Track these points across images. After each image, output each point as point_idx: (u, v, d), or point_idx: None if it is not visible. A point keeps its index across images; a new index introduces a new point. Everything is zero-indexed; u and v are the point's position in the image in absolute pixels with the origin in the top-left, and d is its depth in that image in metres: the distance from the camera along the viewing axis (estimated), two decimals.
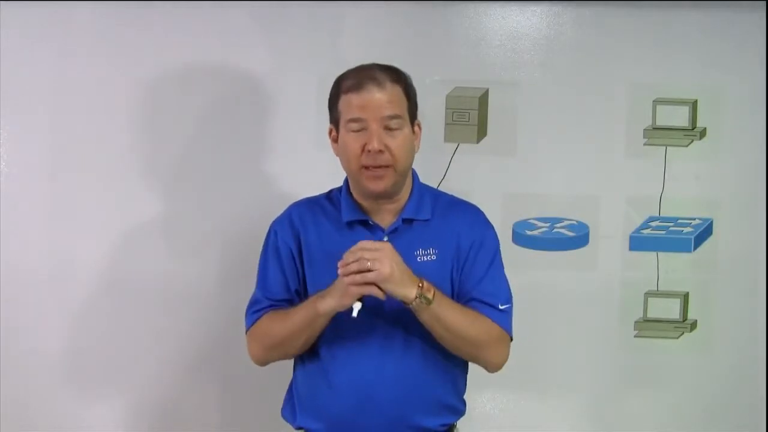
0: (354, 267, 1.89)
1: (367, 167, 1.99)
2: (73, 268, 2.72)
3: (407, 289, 1.92)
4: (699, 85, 2.76)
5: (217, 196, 2.73)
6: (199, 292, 2.73)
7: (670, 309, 2.80)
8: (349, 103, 1.99)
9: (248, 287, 2.17)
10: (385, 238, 2.02)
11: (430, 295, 1.93)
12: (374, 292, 1.90)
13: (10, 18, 2.66)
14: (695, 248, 2.79)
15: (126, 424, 2.77)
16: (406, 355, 2.03)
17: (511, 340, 2.10)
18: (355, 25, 2.73)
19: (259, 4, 2.70)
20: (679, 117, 2.77)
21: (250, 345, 2.14)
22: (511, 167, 2.76)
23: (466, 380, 2.17)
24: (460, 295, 2.06)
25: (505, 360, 2.09)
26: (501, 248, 2.13)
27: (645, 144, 2.77)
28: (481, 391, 2.65)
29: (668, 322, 2.81)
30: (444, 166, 2.75)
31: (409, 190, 2.09)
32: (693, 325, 2.81)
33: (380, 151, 1.96)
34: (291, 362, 2.17)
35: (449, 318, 1.97)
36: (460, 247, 2.07)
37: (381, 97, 1.97)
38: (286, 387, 2.19)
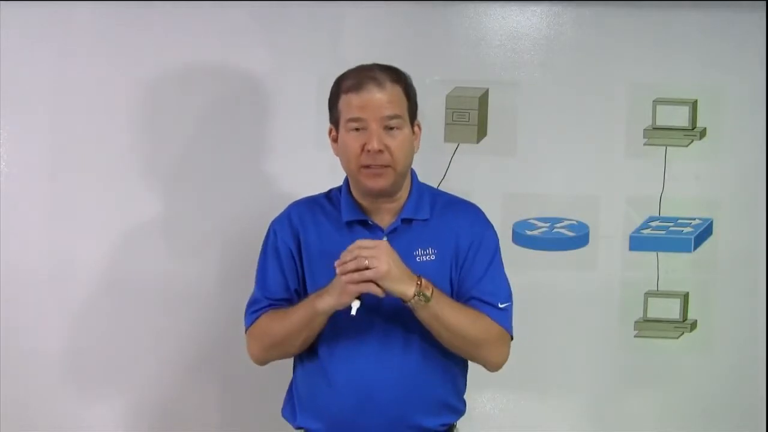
0: (351, 265, 1.90)
1: (366, 166, 1.99)
2: (73, 268, 2.72)
3: (405, 286, 1.92)
4: (699, 85, 2.76)
5: (217, 196, 2.73)
6: (199, 292, 2.73)
7: (670, 309, 2.80)
8: (349, 102, 1.99)
9: (248, 287, 2.17)
10: (385, 238, 2.02)
11: (428, 293, 1.93)
12: (372, 289, 1.90)
13: (10, 18, 2.66)
14: (695, 248, 2.79)
15: (126, 424, 2.77)
16: (406, 354, 2.03)
17: (512, 338, 2.10)
18: (355, 25, 2.73)
19: (259, 4, 2.70)
20: (679, 117, 2.77)
21: (249, 344, 2.14)
22: (511, 167, 2.76)
23: (466, 380, 2.17)
24: (459, 295, 2.06)
25: (505, 359, 2.09)
26: (501, 248, 2.13)
27: (645, 144, 2.77)
28: (481, 391, 2.65)
29: (668, 322, 2.81)
30: (444, 166, 2.75)
31: (408, 190, 2.09)
32: (693, 325, 2.81)
33: (380, 151, 1.97)
34: (291, 362, 2.17)
35: (448, 316, 1.97)
36: (460, 246, 2.07)
37: (381, 97, 1.97)
38: (286, 387, 2.19)
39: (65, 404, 2.74)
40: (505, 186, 2.77)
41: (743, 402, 2.80)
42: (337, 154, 2.07)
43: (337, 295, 1.94)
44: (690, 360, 2.80)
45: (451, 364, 2.08)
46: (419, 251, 2.05)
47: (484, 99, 2.76)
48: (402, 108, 2.01)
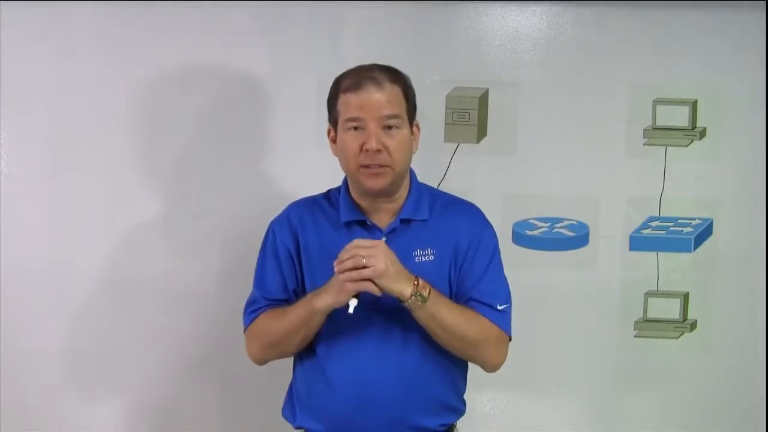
0: (349, 264, 1.90)
1: (365, 166, 1.99)
2: (73, 268, 2.72)
3: (402, 286, 1.92)
4: (699, 85, 2.76)
5: (217, 196, 2.73)
6: (199, 292, 2.73)
7: (670, 309, 2.80)
8: (348, 102, 1.99)
9: (248, 287, 2.17)
10: (383, 239, 2.02)
11: (425, 293, 1.94)
12: (370, 288, 1.91)
13: (10, 18, 2.67)
14: (695, 248, 2.79)
15: (126, 424, 2.77)
16: (404, 353, 2.03)
17: (510, 340, 2.10)
18: (355, 25, 2.73)
19: (259, 4, 2.70)
20: (679, 117, 2.77)
21: (248, 344, 2.15)
22: (511, 167, 2.76)
23: (465, 380, 2.17)
24: (458, 295, 2.06)
25: (503, 360, 2.09)
26: (501, 248, 2.13)
27: (645, 144, 2.77)
28: (481, 391, 2.65)
29: (668, 322, 2.81)
30: (444, 166, 2.75)
31: (407, 190, 2.09)
32: (693, 325, 2.81)
33: (378, 151, 1.97)
34: (291, 362, 2.17)
35: (445, 317, 1.97)
36: (459, 246, 2.07)
37: (379, 97, 1.98)
38: (286, 387, 2.19)
39: (65, 404, 2.74)
40: (505, 186, 2.77)
41: (743, 402, 2.80)
42: (335, 155, 2.07)
43: (335, 294, 1.94)
44: (690, 360, 2.80)
45: (450, 364, 2.08)
46: (418, 252, 2.05)
47: (484, 99, 2.76)
48: (401, 108, 2.01)
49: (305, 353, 2.09)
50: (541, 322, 2.74)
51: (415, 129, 2.08)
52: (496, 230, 2.15)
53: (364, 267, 1.89)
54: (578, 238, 2.79)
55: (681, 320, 2.81)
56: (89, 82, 2.69)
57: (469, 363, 2.14)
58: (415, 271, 1.97)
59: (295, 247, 2.10)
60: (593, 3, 2.72)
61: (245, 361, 2.18)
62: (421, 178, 2.15)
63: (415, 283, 1.94)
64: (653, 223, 2.79)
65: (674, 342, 2.81)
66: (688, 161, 2.77)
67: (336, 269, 1.92)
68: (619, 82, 2.76)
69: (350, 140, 2.00)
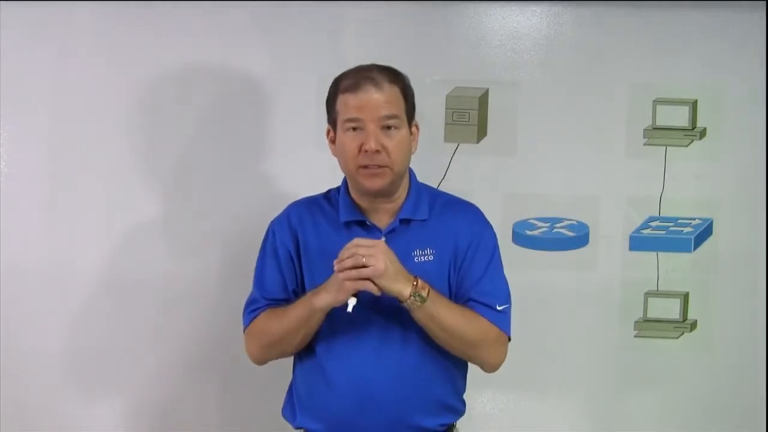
0: (349, 263, 1.90)
1: (364, 167, 1.99)
2: (73, 268, 2.72)
3: (401, 286, 1.93)
4: (699, 85, 2.76)
5: (217, 196, 2.73)
6: (199, 292, 2.73)
7: (670, 309, 2.80)
8: (347, 103, 1.99)
9: (248, 287, 2.17)
10: (383, 239, 2.02)
11: (424, 293, 1.94)
12: (369, 287, 1.91)
13: (10, 18, 2.67)
14: (695, 248, 2.79)
15: (126, 424, 2.77)
16: (404, 352, 2.03)
17: (510, 340, 2.10)
18: (355, 25, 2.73)
19: (259, 4, 2.70)
20: (679, 117, 2.77)
21: (247, 344, 2.15)
22: (511, 167, 2.76)
23: (465, 380, 2.17)
24: (458, 296, 2.06)
25: (503, 360, 2.09)
26: (501, 248, 2.13)
27: (645, 144, 2.77)
28: (481, 391, 2.65)
29: (668, 322, 2.81)
30: (444, 166, 2.75)
31: (406, 190, 2.09)
32: (693, 325, 2.81)
33: (377, 151, 1.97)
34: (291, 362, 2.17)
35: (444, 317, 1.97)
36: (458, 246, 2.07)
37: (378, 98, 1.98)
38: (286, 387, 2.19)
39: (65, 404, 2.74)
40: (505, 186, 2.77)
41: (743, 402, 2.80)
42: (335, 155, 2.07)
43: (335, 292, 1.94)
44: (690, 360, 2.80)
45: (450, 364, 2.08)
46: (417, 252, 2.05)
47: (484, 99, 2.76)
48: (399, 108, 2.01)
49: (305, 353, 2.10)
50: (541, 322, 2.74)
51: (414, 129, 2.08)
52: (496, 230, 2.15)
53: (364, 266, 1.90)
54: (578, 238, 2.79)
55: (681, 320, 2.81)
56: (89, 82, 2.69)
57: (469, 363, 2.14)
58: (415, 271, 1.97)
59: (295, 247, 2.11)
60: (593, 3, 2.72)
61: (245, 361, 2.18)
62: (421, 178, 2.15)
63: (414, 283, 1.94)
64: (653, 223, 2.79)
65: (674, 342, 2.81)
66: (688, 161, 2.77)
67: (335, 268, 1.92)
68: (619, 82, 2.76)
69: (349, 141, 2.00)
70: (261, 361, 2.16)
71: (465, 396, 2.17)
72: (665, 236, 2.79)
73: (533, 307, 2.68)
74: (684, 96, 2.76)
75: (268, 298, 2.12)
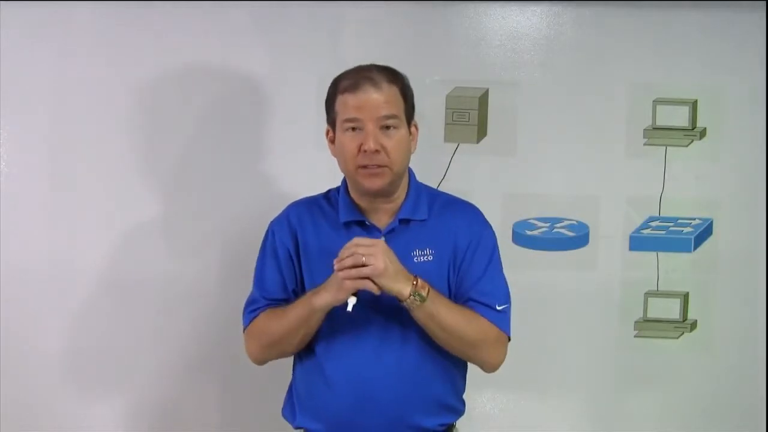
0: (349, 262, 1.91)
1: (363, 166, 1.99)
2: (73, 268, 2.72)
3: (401, 285, 1.93)
4: (699, 85, 2.76)
5: (217, 196, 2.73)
6: (199, 292, 2.73)
7: (670, 309, 2.80)
8: (346, 103, 2.00)
9: (248, 287, 2.17)
10: (382, 239, 2.02)
11: (424, 293, 1.94)
12: (368, 286, 1.91)
13: (10, 18, 2.67)
14: (695, 248, 2.79)
15: (126, 424, 2.77)
16: (403, 352, 2.03)
17: (509, 340, 2.10)
18: (355, 25, 2.73)
19: (259, 4, 2.70)
20: (679, 117, 2.77)
21: (247, 344, 2.15)
22: (511, 167, 2.76)
23: (465, 380, 2.17)
24: (457, 296, 2.06)
25: (502, 360, 2.09)
26: (501, 248, 2.13)
27: (645, 144, 2.77)
28: (480, 391, 2.65)
29: (668, 322, 2.81)
30: (444, 166, 2.75)
31: (405, 191, 2.09)
32: (693, 325, 2.81)
33: (376, 151, 1.97)
34: (291, 362, 2.17)
35: (444, 316, 1.97)
36: (458, 246, 2.07)
37: (377, 98, 1.98)
38: (286, 387, 2.19)
39: (65, 404, 2.74)
40: (505, 186, 2.77)
41: (743, 402, 2.80)
42: (334, 155, 2.08)
43: (334, 292, 1.95)
44: (690, 360, 2.80)
45: (450, 363, 2.08)
46: (417, 252, 2.05)
47: (484, 99, 2.76)
48: (398, 108, 2.01)
49: (304, 353, 2.10)
50: (541, 322, 2.75)
51: (413, 129, 2.08)
52: (496, 230, 2.15)
53: (364, 265, 1.90)
54: (578, 238, 2.79)
55: (681, 320, 2.81)
56: (89, 82, 2.69)
57: (469, 363, 2.14)
58: (414, 271, 1.97)
59: (295, 247, 2.11)
60: (593, 3, 2.72)
61: (245, 361, 2.18)
62: (420, 178, 2.15)
63: (414, 282, 1.94)
64: (653, 223, 2.79)
65: (674, 342, 2.81)
66: (688, 161, 2.77)
67: (335, 267, 1.93)
68: (619, 82, 2.76)
69: (348, 141, 2.00)
70: (261, 361, 2.16)
71: (465, 396, 2.17)
72: (665, 236, 2.79)
73: (533, 307, 2.68)
74: (684, 96, 2.76)
75: (267, 298, 2.12)
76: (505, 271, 2.12)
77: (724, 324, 2.80)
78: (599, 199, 2.78)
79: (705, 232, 2.79)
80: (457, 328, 1.99)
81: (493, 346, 2.06)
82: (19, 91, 2.68)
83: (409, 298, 1.93)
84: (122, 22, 2.68)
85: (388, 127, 1.99)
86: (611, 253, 2.78)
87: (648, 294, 2.80)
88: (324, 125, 2.10)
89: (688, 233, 2.79)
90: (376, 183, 2.00)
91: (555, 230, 2.78)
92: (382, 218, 2.08)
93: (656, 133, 2.77)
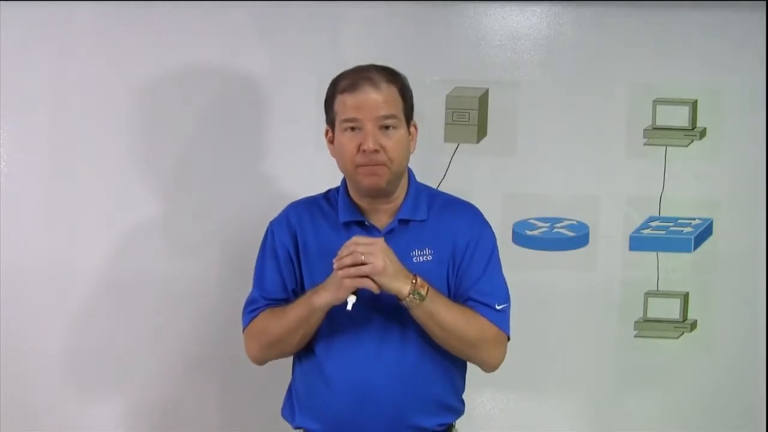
0: (348, 260, 1.91)
1: (363, 165, 1.99)
2: (73, 268, 2.72)
3: (400, 284, 1.93)
4: (699, 85, 2.76)
5: (217, 196, 2.73)
6: (199, 292, 2.73)
7: (670, 309, 2.80)
8: (344, 103, 2.00)
9: (248, 287, 2.17)
10: (382, 238, 2.02)
11: (423, 291, 1.94)
12: (368, 284, 1.91)
13: (10, 18, 2.67)
14: (695, 248, 2.79)
15: (126, 424, 2.77)
16: (403, 351, 2.03)
17: (509, 339, 2.10)
18: (355, 25, 2.73)
19: (259, 4, 2.70)
20: (679, 117, 2.77)
21: (247, 344, 2.15)
22: (511, 167, 2.76)
23: (464, 379, 2.17)
24: (457, 295, 2.06)
25: (502, 360, 2.09)
26: (501, 248, 2.14)
27: (645, 144, 2.77)
28: (480, 390, 2.65)
29: (668, 322, 2.81)
30: (444, 166, 2.75)
31: (405, 191, 2.09)
32: (693, 325, 2.81)
33: (375, 151, 1.97)
34: (290, 362, 2.17)
35: (444, 316, 1.97)
36: (457, 246, 2.07)
37: (376, 98, 1.98)
38: (286, 387, 2.19)
39: (65, 404, 2.74)
40: (505, 186, 2.77)
41: (743, 402, 2.80)
42: (333, 156, 2.08)
43: (334, 290, 1.95)
44: (690, 360, 2.80)
45: (449, 363, 2.08)
46: (416, 252, 2.05)
47: (484, 99, 2.76)
48: (397, 108, 2.01)
49: (304, 353, 2.10)
50: (541, 322, 2.74)
51: (412, 129, 2.08)
52: (496, 230, 2.15)
53: (363, 264, 1.90)
54: (578, 238, 2.79)
55: (681, 320, 2.81)
56: (89, 82, 2.69)
57: (469, 363, 2.14)
58: (414, 271, 1.97)
59: (294, 247, 2.11)
60: (593, 3, 2.72)
61: (245, 361, 2.18)
62: (420, 178, 2.16)
63: (414, 281, 1.94)
64: (653, 223, 2.79)
65: (674, 342, 2.81)
66: (688, 161, 2.77)
67: (335, 266, 1.93)
68: (619, 82, 2.76)
69: (347, 141, 2.00)
70: (260, 361, 2.16)
71: (465, 396, 2.17)
72: (665, 236, 2.79)
73: (533, 307, 2.68)
74: (684, 96, 2.76)
75: (267, 298, 2.12)
76: (505, 271, 2.12)
77: (724, 324, 2.79)
78: (599, 199, 2.78)
79: (705, 232, 2.79)
80: (456, 328, 1.99)
81: (493, 346, 2.06)
82: (19, 91, 2.68)
83: (408, 296, 1.93)
84: (122, 22, 2.68)
85: (387, 127, 1.99)
86: (611, 253, 2.78)
87: (648, 294, 2.80)
88: (324, 125, 2.10)
89: (688, 233, 2.79)
90: (375, 182, 2.00)
91: (555, 230, 2.78)
92: (381, 218, 2.08)
93: (656, 133, 2.77)
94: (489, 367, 2.10)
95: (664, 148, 2.77)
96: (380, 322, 2.03)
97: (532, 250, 2.78)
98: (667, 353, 2.80)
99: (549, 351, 2.78)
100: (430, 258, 2.05)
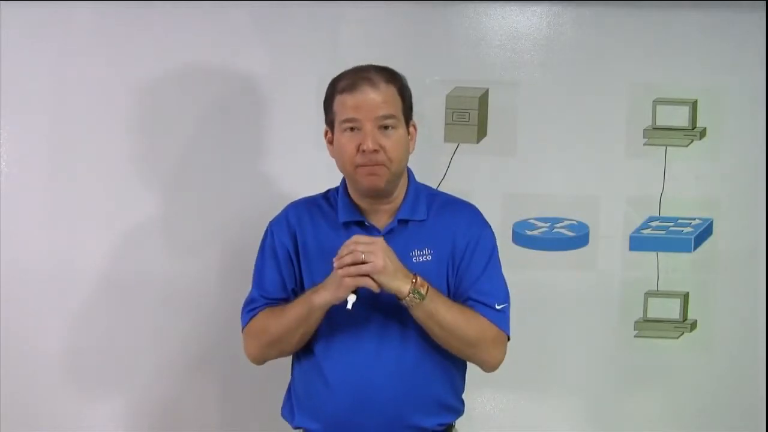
0: (348, 259, 1.91)
1: (362, 165, 1.99)
2: (73, 268, 2.72)
3: (400, 283, 1.93)
4: (699, 85, 2.76)
5: (217, 196, 2.73)
6: (199, 292, 2.73)
7: (670, 309, 2.80)
8: (344, 103, 2.00)
9: (248, 287, 2.18)
10: (382, 237, 2.02)
11: (423, 291, 1.94)
12: (368, 283, 1.91)
13: (10, 18, 2.67)
14: (695, 248, 2.79)
15: (126, 424, 2.77)
16: (403, 351, 2.03)
17: (509, 339, 2.10)
18: (355, 25, 2.73)
19: (259, 4, 2.70)
20: (679, 117, 2.77)
21: (246, 343, 2.15)
22: (511, 167, 2.76)
23: (464, 379, 2.17)
24: (457, 295, 2.06)
25: (502, 360, 2.09)
26: (501, 248, 2.14)
27: (645, 144, 2.77)
28: (480, 390, 2.64)
29: (668, 322, 2.81)
30: (444, 166, 2.75)
31: (404, 191, 2.09)
32: (693, 325, 2.81)
33: (375, 151, 1.97)
34: (290, 362, 2.17)
35: (443, 315, 1.97)
36: (456, 246, 2.07)
37: (375, 98, 1.98)
38: (286, 387, 2.19)
39: (65, 404, 2.74)
40: (505, 186, 2.77)
41: (743, 402, 2.80)
42: (332, 156, 2.08)
43: (334, 289, 1.95)
44: (690, 360, 2.80)
45: (449, 363, 2.08)
46: (416, 252, 2.05)
47: (484, 99, 2.76)
48: (396, 108, 2.01)
49: (303, 353, 2.10)
50: (541, 322, 2.75)
51: (411, 129, 2.08)
52: (496, 230, 2.15)
53: (363, 263, 1.90)
54: (578, 238, 2.79)
55: (681, 320, 2.81)
56: (89, 82, 2.69)
57: (468, 362, 2.14)
58: (413, 271, 1.97)
59: (294, 247, 2.11)
60: (593, 3, 2.72)
61: (245, 361, 2.18)
62: (420, 178, 2.16)
63: (414, 280, 1.94)
64: (653, 223, 2.79)
65: (674, 342, 2.81)
66: (688, 161, 2.77)
67: (335, 265, 1.93)
68: (619, 82, 2.76)
69: (347, 141, 2.00)
70: (259, 360, 2.16)
71: (464, 396, 2.17)
72: (665, 236, 2.79)
73: (533, 307, 2.68)
74: (684, 96, 2.76)
75: (267, 298, 2.12)
76: (505, 271, 2.12)
77: (724, 324, 2.79)
78: (599, 199, 2.78)
79: (705, 232, 2.79)
80: (456, 327, 1.99)
81: (493, 346, 2.05)
82: (19, 91, 2.68)
83: (408, 296, 1.93)
84: (122, 22, 2.68)
85: (386, 127, 1.99)
86: (611, 253, 2.78)
87: (648, 294, 2.80)
88: (323, 125, 2.10)
89: (688, 233, 2.79)
90: (374, 182, 2.00)
91: (555, 230, 2.78)
92: (381, 218, 2.08)
93: (656, 133, 2.77)
94: (489, 367, 2.10)
95: (664, 148, 2.77)
96: (380, 321, 2.03)
97: (532, 250, 2.78)
98: (667, 353, 2.80)
99: (549, 351, 2.78)
100: (429, 258, 2.05)
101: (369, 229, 2.06)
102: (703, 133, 2.77)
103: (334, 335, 2.04)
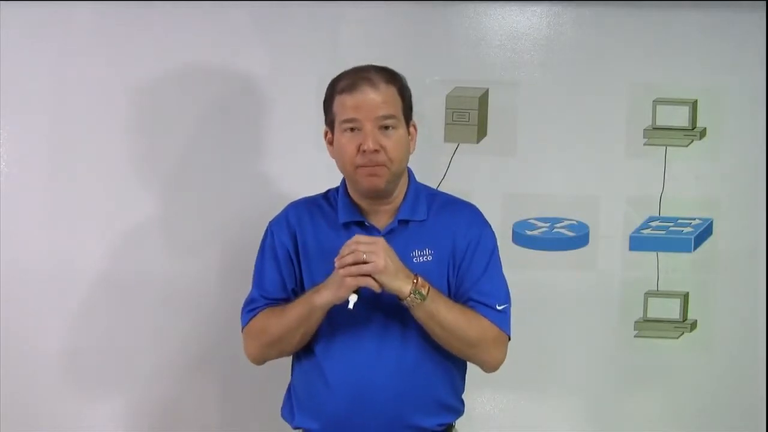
0: (349, 259, 1.91)
1: (363, 165, 1.99)
2: (73, 268, 2.72)
3: (401, 283, 1.93)
4: (699, 85, 2.76)
5: (217, 196, 2.73)
6: (199, 292, 2.73)
7: (670, 309, 2.80)
8: (344, 104, 2.00)
9: (248, 287, 2.17)
10: (383, 237, 2.02)
11: (424, 291, 1.94)
12: (369, 283, 1.91)
13: (10, 18, 2.66)
14: (695, 248, 2.79)
15: (126, 423, 2.76)
16: (403, 351, 2.03)
17: (509, 340, 2.10)
18: (355, 25, 2.73)
19: (259, 4, 2.70)
20: (679, 117, 2.77)
21: (246, 343, 2.15)
22: (511, 167, 2.76)
23: (464, 380, 2.17)
24: (457, 296, 2.06)
25: (502, 360, 2.09)
26: (501, 248, 2.14)
27: (645, 144, 2.77)
28: (480, 390, 2.64)
29: (668, 322, 2.81)
30: (444, 166, 2.75)
31: (404, 191, 2.09)
32: (693, 325, 2.81)
33: (375, 151, 1.97)
34: (290, 362, 2.17)
35: (444, 315, 1.97)
36: (457, 246, 2.07)
37: (375, 98, 1.98)
38: (286, 387, 2.19)
39: (65, 404, 2.74)
40: (505, 186, 2.77)
41: (743, 402, 2.80)
42: (332, 157, 2.08)
43: (335, 289, 1.95)
44: (690, 360, 2.80)
45: (449, 363, 2.08)
46: (416, 252, 2.05)
47: (484, 99, 2.76)
48: (396, 108, 2.01)
49: (303, 353, 2.10)
50: (541, 322, 2.74)
51: (411, 129, 2.08)
52: (496, 230, 2.15)
53: (365, 263, 1.90)
54: (578, 238, 2.79)
55: (681, 320, 2.81)
56: (89, 82, 2.69)
57: (469, 363, 2.14)
58: (414, 271, 1.97)
59: (294, 247, 2.11)
60: (593, 3, 2.72)
61: (245, 361, 2.18)
62: (420, 178, 2.16)
63: (415, 281, 1.94)
64: (653, 223, 2.79)
65: (674, 342, 2.81)
66: (688, 161, 2.77)
67: (336, 265, 1.93)
68: (619, 82, 2.76)
69: (347, 141, 2.00)
70: (259, 360, 2.16)
71: (465, 396, 2.17)
72: (665, 236, 2.79)
73: (533, 307, 2.68)
74: (684, 96, 2.76)
75: (267, 298, 2.12)
76: (505, 271, 2.12)
77: (724, 324, 2.80)
78: (599, 199, 2.78)
79: (705, 232, 2.79)
80: (457, 328, 1.99)
81: (493, 346, 2.05)
82: (19, 91, 2.68)
83: (409, 296, 1.93)
84: (122, 22, 2.68)
85: (386, 127, 1.99)
86: (611, 253, 2.78)
87: (648, 294, 2.80)
88: (323, 126, 2.10)
89: (688, 233, 2.79)
90: (374, 182, 2.00)
91: (555, 230, 2.78)
92: (381, 219, 2.08)
93: (656, 133, 2.77)
94: (489, 367, 2.10)
95: (664, 148, 2.77)
96: (380, 321, 2.03)
97: (532, 250, 2.78)
98: (667, 353, 2.80)
99: (549, 351, 2.78)
100: (430, 258, 2.05)
101: (369, 230, 2.06)
102: (703, 133, 2.77)
103: (334, 335, 2.04)
